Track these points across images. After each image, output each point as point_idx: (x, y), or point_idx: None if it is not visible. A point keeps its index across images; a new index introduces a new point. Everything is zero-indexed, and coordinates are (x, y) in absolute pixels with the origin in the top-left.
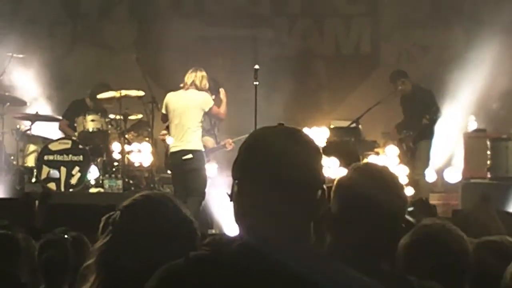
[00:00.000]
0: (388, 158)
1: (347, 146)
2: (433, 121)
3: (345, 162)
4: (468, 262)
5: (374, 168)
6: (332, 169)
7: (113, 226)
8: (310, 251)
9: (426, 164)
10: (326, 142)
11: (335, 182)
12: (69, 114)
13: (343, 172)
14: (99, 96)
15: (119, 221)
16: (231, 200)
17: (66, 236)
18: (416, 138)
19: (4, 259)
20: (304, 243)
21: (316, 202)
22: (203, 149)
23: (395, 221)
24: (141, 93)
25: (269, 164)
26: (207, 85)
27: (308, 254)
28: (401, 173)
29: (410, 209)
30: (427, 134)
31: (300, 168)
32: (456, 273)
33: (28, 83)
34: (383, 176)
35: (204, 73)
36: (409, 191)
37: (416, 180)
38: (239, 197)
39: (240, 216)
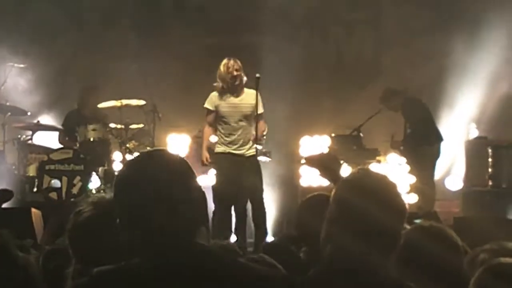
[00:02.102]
0: (389, 165)
1: (328, 157)
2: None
3: (325, 174)
4: (460, 270)
5: (371, 174)
6: (314, 178)
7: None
8: (205, 251)
9: (430, 171)
10: (306, 157)
11: (332, 192)
12: (65, 126)
13: (324, 181)
14: (100, 105)
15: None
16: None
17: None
18: (418, 144)
19: None
20: (197, 245)
21: (194, 204)
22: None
23: (394, 229)
24: (142, 102)
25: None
26: (219, 80)
27: (203, 254)
28: (404, 180)
29: (418, 220)
30: (430, 140)
31: (173, 181)
32: (446, 278)
33: (29, 92)
34: (380, 182)
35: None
36: (412, 199)
37: (421, 188)
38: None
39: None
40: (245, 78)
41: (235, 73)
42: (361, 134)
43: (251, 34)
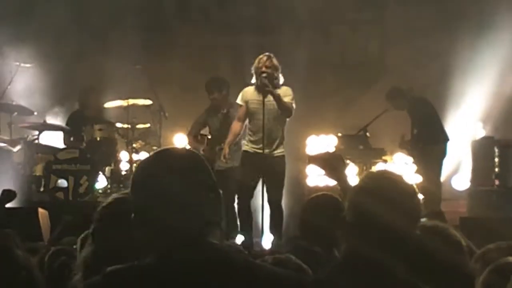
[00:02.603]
0: (396, 165)
1: (332, 157)
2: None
3: (329, 173)
4: (463, 270)
5: (388, 176)
6: (321, 177)
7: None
8: (217, 250)
9: (436, 171)
10: (310, 156)
11: (350, 191)
12: (69, 128)
13: (329, 180)
14: (106, 105)
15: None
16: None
17: (74, 246)
18: (425, 143)
19: None
20: (209, 244)
21: (207, 203)
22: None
23: (408, 232)
24: (148, 102)
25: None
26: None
27: (215, 253)
28: (410, 180)
29: (423, 219)
30: (437, 139)
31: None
32: (449, 277)
33: (36, 92)
34: (397, 184)
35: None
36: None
37: (427, 187)
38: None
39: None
40: (281, 78)
41: (264, 69)
42: (368, 134)
43: (255, 34)
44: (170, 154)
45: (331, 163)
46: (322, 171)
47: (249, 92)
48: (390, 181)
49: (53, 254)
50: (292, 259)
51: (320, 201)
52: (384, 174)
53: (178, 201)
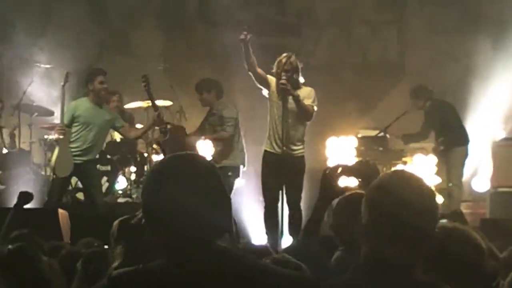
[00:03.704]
0: (416, 167)
1: (366, 166)
2: (449, 142)
3: (364, 184)
4: (483, 272)
5: (403, 176)
6: (341, 180)
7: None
8: (224, 253)
9: (459, 172)
10: (342, 166)
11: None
12: None
13: (349, 182)
14: (127, 106)
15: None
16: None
17: (106, 246)
18: (448, 146)
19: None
20: (216, 247)
21: (216, 208)
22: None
23: (428, 229)
24: (168, 102)
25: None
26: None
27: (222, 256)
28: (431, 182)
29: (443, 220)
30: (459, 141)
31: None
32: (467, 281)
33: (56, 93)
34: (412, 184)
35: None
36: (439, 200)
37: (449, 189)
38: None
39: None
40: (301, 79)
41: (282, 74)
42: (387, 135)
43: (276, 34)
44: (180, 160)
45: (366, 174)
46: (355, 182)
47: (274, 84)
48: (406, 180)
49: (87, 257)
50: (290, 259)
51: (353, 200)
52: (399, 173)
53: (187, 206)
